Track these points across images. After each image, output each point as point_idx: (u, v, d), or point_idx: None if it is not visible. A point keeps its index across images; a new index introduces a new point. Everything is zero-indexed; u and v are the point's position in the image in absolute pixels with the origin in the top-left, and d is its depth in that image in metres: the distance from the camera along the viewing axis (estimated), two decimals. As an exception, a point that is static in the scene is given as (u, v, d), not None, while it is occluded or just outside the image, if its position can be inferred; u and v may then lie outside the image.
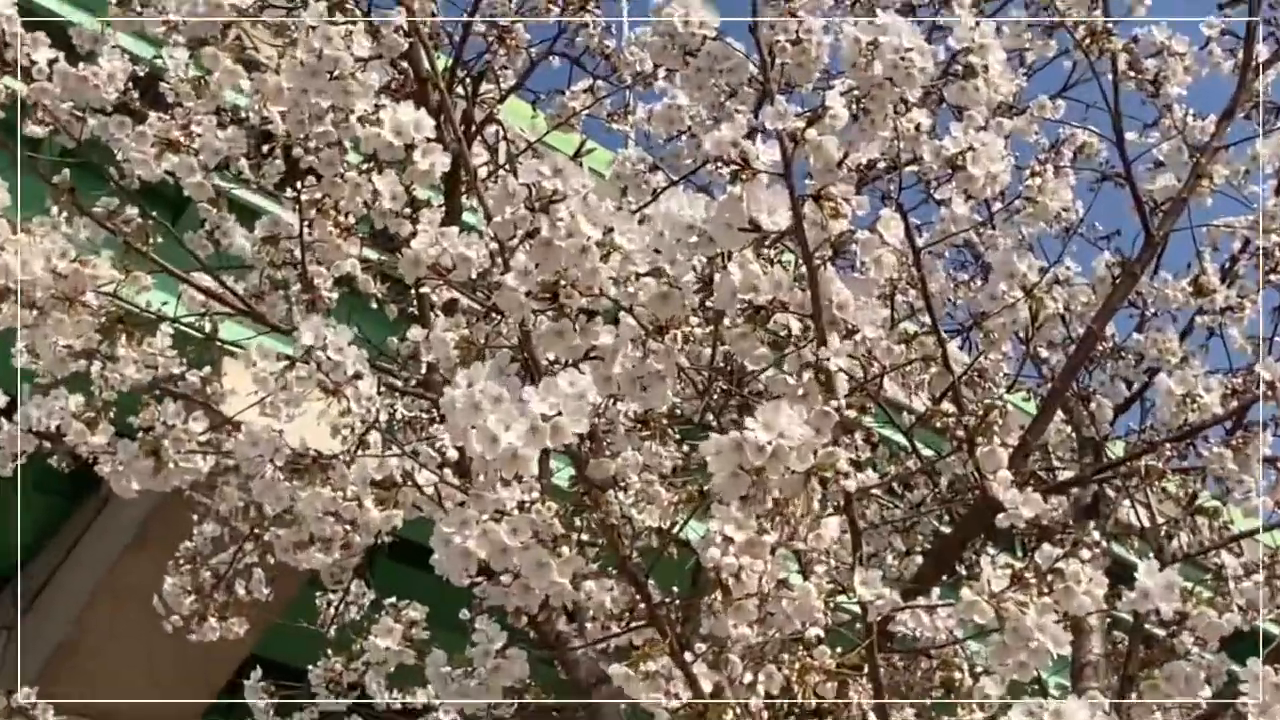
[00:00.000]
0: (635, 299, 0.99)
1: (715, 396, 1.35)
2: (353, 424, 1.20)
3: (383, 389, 1.32)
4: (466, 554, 1.00)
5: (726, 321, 1.01)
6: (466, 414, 0.88)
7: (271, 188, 2.01)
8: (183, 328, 1.80)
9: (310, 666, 1.99)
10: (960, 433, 1.32)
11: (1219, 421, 1.66)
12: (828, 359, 0.93)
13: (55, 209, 1.69)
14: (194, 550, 2.11)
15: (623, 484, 1.19)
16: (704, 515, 1.10)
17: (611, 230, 0.95)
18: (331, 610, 2.23)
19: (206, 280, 2.03)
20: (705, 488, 1.17)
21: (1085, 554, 1.03)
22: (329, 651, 1.95)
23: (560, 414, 0.88)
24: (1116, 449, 2.70)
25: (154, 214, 1.93)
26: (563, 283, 0.94)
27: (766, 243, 0.97)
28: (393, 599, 1.94)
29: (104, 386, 1.50)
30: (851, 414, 1.05)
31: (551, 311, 0.95)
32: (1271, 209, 1.90)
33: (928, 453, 2.51)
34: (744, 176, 0.95)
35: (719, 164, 0.98)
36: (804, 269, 0.99)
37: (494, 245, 1.38)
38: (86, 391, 1.50)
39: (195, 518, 2.09)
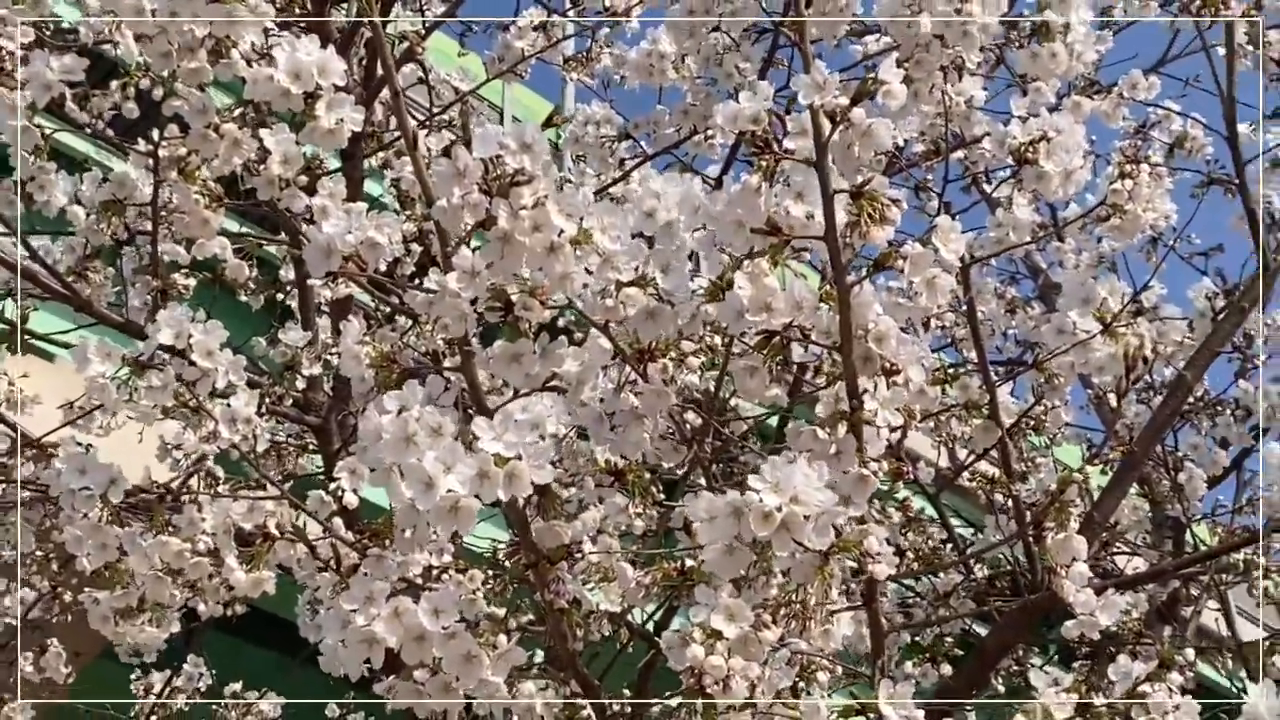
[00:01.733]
0: (614, 314, 1.01)
1: (707, 446, 1.37)
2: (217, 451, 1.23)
3: (263, 409, 1.35)
4: (370, 641, 1.01)
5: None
6: (396, 448, 0.91)
7: (113, 134, 2.00)
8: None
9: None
10: (1020, 508, 1.36)
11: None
12: (867, 407, 0.95)
13: None
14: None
15: (578, 554, 1.22)
16: (684, 600, 1.14)
17: (588, 229, 0.97)
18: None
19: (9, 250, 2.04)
20: (688, 564, 1.21)
21: (1174, 675, 1.08)
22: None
23: (519, 456, 0.90)
24: (1204, 534, 2.76)
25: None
26: (521, 289, 0.96)
27: (788, 250, 0.99)
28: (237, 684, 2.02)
29: None
30: (886, 477, 1.08)
31: (505, 326, 0.97)
32: None
33: (961, 529, 2.55)
34: (764, 164, 0.98)
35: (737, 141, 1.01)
36: (833, 287, 1.01)
37: (416, 230, 1.41)
38: None
39: None
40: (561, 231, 0.94)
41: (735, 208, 0.98)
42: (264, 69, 1.15)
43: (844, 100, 0.96)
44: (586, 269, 0.98)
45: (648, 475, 1.36)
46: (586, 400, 1.07)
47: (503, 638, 1.04)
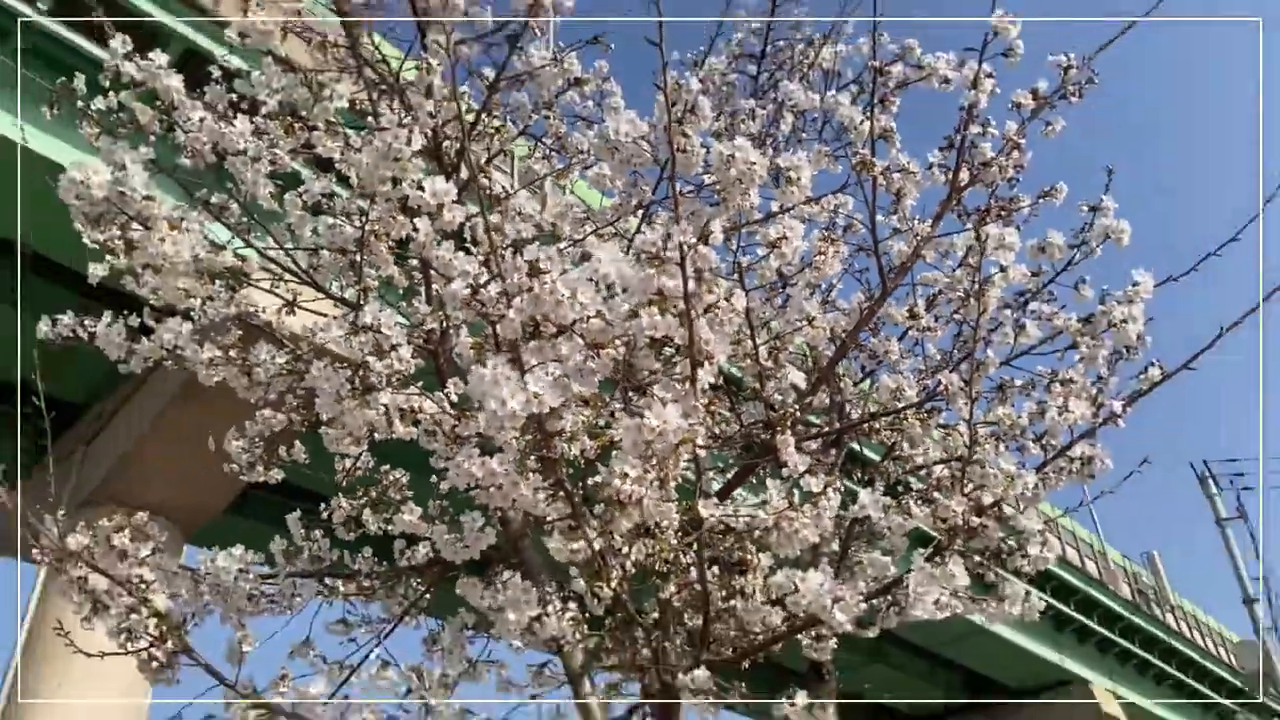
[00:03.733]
0: (586, 328, 1.78)
1: (627, 393, 2.15)
2: (395, 373, 1.98)
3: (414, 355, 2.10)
4: (470, 473, 1.81)
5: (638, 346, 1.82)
6: (490, 385, 1.66)
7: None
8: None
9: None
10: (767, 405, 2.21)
11: (915, 405, 2.64)
12: (699, 377, 1.77)
13: (194, 214, 2.42)
14: (257, 429, 2.94)
15: (567, 435, 2.02)
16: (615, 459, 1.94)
17: (574, 291, 1.76)
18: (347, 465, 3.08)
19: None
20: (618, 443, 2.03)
21: (830, 491, 1.97)
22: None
23: (542, 393, 1.67)
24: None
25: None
26: (545, 320, 1.74)
27: (665, 301, 1.80)
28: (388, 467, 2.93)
29: (203, 317, 2.28)
30: (709, 409, 1.91)
31: (534, 337, 1.74)
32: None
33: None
34: (656, 264, 1.78)
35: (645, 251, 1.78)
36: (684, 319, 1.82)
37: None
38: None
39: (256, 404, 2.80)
40: (564, 294, 1.70)
41: (644, 283, 1.77)
42: (419, 191, 1.87)
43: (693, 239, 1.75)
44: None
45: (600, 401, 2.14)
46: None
47: (531, 475, 1.80)
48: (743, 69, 3.74)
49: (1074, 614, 27.70)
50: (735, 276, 2.48)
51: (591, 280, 1.80)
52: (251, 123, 2.37)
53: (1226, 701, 32.91)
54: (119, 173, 2.26)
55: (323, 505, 3.11)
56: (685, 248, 1.72)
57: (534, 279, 1.67)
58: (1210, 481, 20.84)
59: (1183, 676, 32.17)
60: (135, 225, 2.23)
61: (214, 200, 2.62)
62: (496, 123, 2.64)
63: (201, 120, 2.28)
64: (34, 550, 2.60)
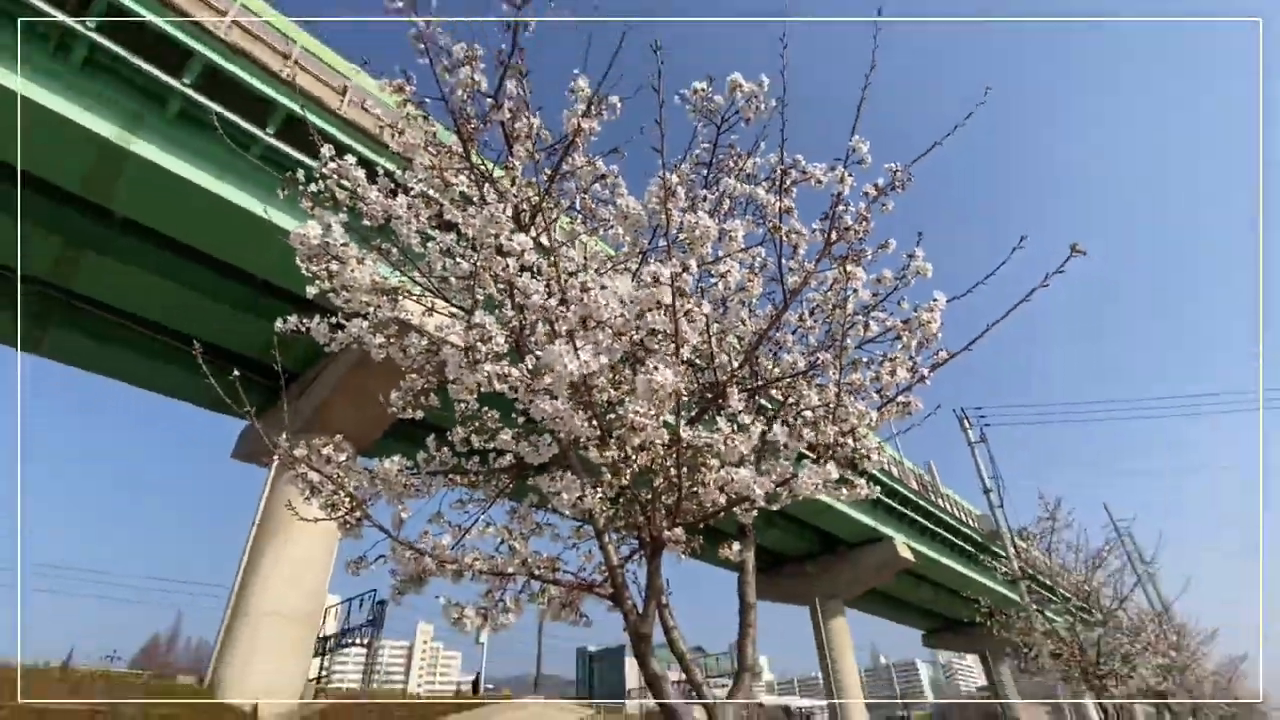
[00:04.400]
0: (613, 323, 1.78)
1: (639, 360, 2.14)
2: (494, 353, 1.95)
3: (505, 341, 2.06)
4: (544, 409, 1.80)
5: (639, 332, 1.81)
6: (557, 357, 1.66)
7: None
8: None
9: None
10: (713, 376, 2.18)
11: (802, 373, 2.63)
12: (680, 352, 1.76)
13: (370, 256, 2.34)
14: (407, 386, 2.82)
15: (600, 389, 2.01)
16: (629, 401, 1.95)
17: (607, 301, 1.74)
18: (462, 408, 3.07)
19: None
20: (629, 392, 2.03)
21: (756, 425, 1.95)
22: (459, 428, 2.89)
23: (589, 363, 1.66)
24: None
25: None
26: (589, 318, 1.73)
27: (661, 308, 1.78)
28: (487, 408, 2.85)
29: (375, 318, 2.20)
30: (688, 372, 1.89)
31: (582, 329, 1.74)
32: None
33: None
34: (654, 285, 1.76)
35: (649, 278, 1.76)
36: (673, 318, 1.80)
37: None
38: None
39: (404, 371, 2.77)
40: (603, 304, 1.69)
41: (648, 297, 1.75)
42: (512, 243, 1.83)
43: (680, 269, 1.73)
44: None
45: (624, 369, 2.13)
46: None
47: (584, 411, 1.78)
48: (698, 172, 3.69)
49: (885, 498, 28.06)
50: (699, 294, 2.47)
51: (615, 295, 1.81)
52: (407, 196, 2.35)
53: (971, 549, 33.43)
54: (326, 231, 2.23)
55: (442, 434, 3.10)
56: (672, 275, 1.72)
57: (584, 293, 1.67)
58: (965, 420, 21.01)
59: (947, 535, 32.68)
60: (334, 261, 2.21)
61: (383, 247, 2.58)
62: (553, 202, 2.64)
63: (375, 197, 2.24)
64: (263, 458, 2.62)
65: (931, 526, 31.40)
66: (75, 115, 10.36)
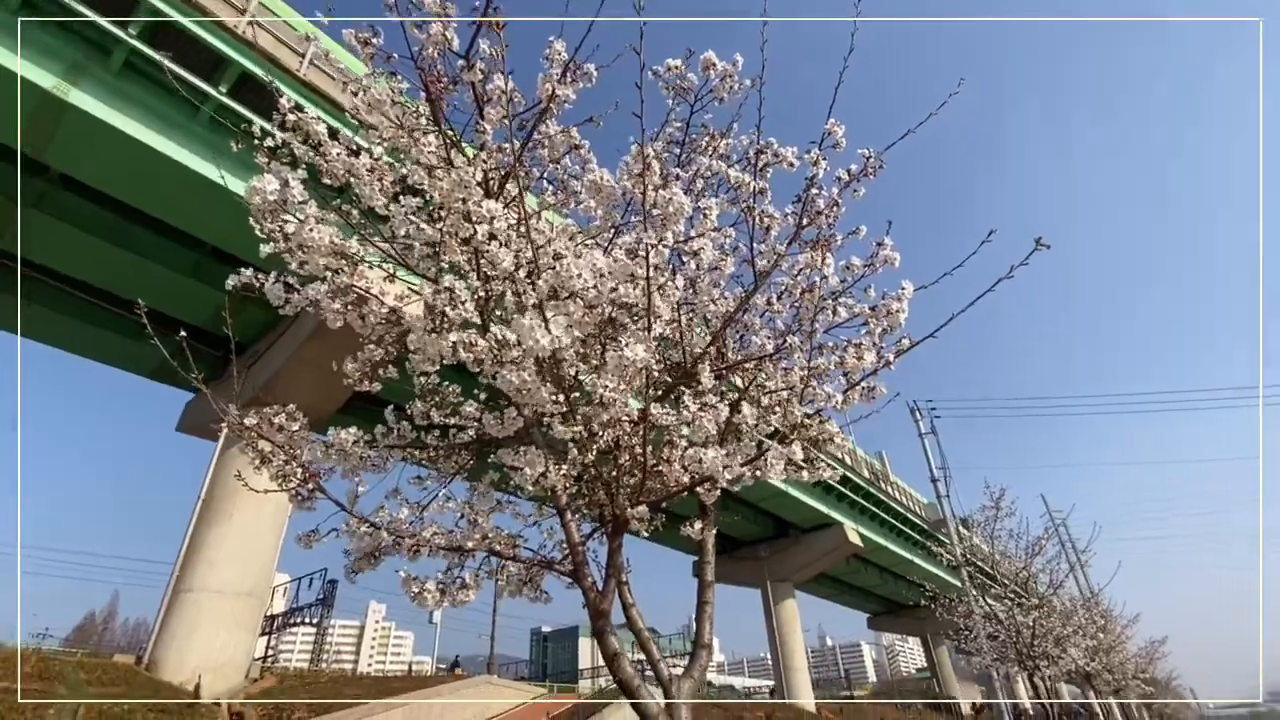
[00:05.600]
0: (584, 295, 1.73)
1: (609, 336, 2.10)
2: (461, 320, 1.87)
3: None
4: (511, 382, 1.74)
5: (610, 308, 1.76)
6: (527, 329, 1.60)
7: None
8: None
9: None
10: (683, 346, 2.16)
11: (770, 355, 2.62)
12: (653, 328, 1.72)
13: (331, 216, 2.20)
14: (364, 357, 2.71)
15: (568, 363, 1.95)
16: (601, 375, 1.91)
17: (580, 271, 1.69)
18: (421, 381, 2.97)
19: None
20: (600, 367, 1.98)
21: (723, 403, 1.94)
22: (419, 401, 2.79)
23: (559, 335, 1.62)
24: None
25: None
26: (560, 289, 1.68)
27: (635, 281, 1.74)
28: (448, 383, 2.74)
29: (335, 286, 2.08)
30: (659, 349, 1.86)
31: (554, 298, 1.68)
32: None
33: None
34: (631, 257, 1.72)
35: (623, 248, 1.71)
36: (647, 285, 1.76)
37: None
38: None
39: (362, 341, 2.64)
40: (577, 273, 1.63)
41: (623, 268, 1.71)
42: (481, 210, 1.76)
43: (655, 239, 1.69)
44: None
45: (595, 342, 2.08)
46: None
47: (548, 386, 1.73)
48: (671, 150, 3.64)
49: (837, 485, 28.71)
50: (672, 271, 2.43)
51: (590, 266, 1.75)
52: (370, 159, 2.23)
53: (917, 535, 34.56)
54: (284, 186, 2.11)
55: (402, 409, 3.01)
56: (647, 247, 1.68)
57: (557, 262, 1.61)
58: (917, 411, 21.59)
59: (895, 522, 33.69)
60: (289, 219, 2.09)
61: (344, 209, 2.46)
62: (524, 169, 2.54)
63: (337, 154, 2.13)
64: (212, 428, 2.49)
65: (880, 514, 32.31)
66: (10, 62, 9.68)
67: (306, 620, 20.57)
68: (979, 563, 15.14)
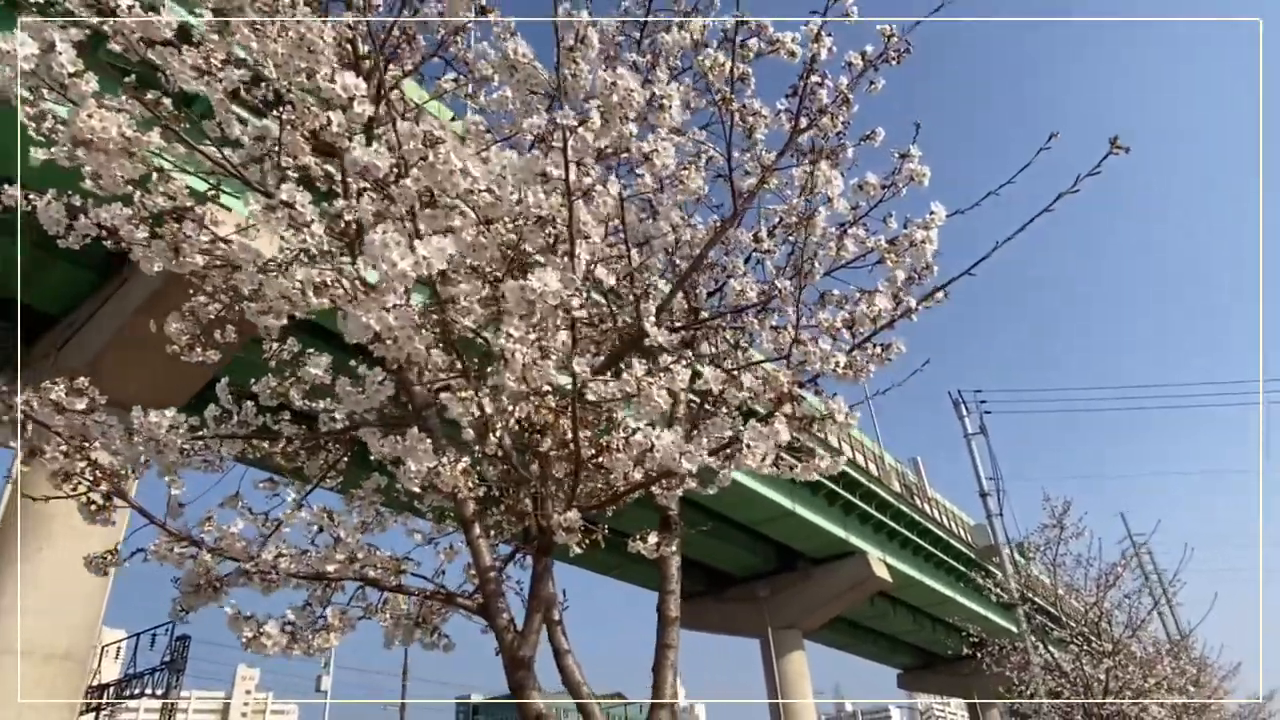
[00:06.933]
0: (476, 202, 1.61)
1: (512, 263, 1.97)
2: (307, 248, 1.74)
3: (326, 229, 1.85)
4: (367, 327, 1.62)
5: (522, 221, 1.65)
6: (381, 249, 1.48)
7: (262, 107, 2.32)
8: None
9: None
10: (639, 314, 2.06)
11: (751, 307, 2.55)
12: (578, 253, 1.61)
13: (123, 97, 2.03)
14: (190, 309, 2.58)
15: (456, 304, 1.82)
16: (499, 324, 1.79)
17: (466, 164, 1.56)
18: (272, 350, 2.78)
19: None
20: (503, 308, 1.86)
21: (681, 365, 1.84)
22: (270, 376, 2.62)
23: (430, 257, 1.50)
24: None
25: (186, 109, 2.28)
26: (436, 190, 1.55)
27: (546, 185, 1.63)
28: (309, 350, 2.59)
29: (143, 208, 1.93)
30: (584, 283, 1.76)
31: (429, 206, 1.56)
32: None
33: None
34: (540, 148, 1.60)
35: (531, 135, 1.60)
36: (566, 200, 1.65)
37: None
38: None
39: (191, 292, 2.47)
40: (458, 165, 1.51)
41: (530, 165, 1.59)
42: (331, 84, 1.61)
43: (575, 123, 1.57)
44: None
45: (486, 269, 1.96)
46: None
47: (424, 330, 1.62)
48: (628, 33, 3.52)
49: (858, 502, 29.06)
50: (609, 173, 2.31)
51: (481, 163, 1.62)
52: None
53: (961, 566, 35.25)
54: (48, 50, 1.93)
55: (231, 384, 2.85)
56: (567, 131, 1.55)
57: (430, 149, 1.47)
58: (961, 405, 21.92)
59: (933, 549, 34.27)
60: (60, 99, 1.92)
61: (146, 95, 2.28)
62: (406, 39, 2.37)
63: (130, 7, 1.94)
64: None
65: (914, 538, 32.84)
66: None
67: (149, 691, 20.13)
68: (1038, 598, 15.48)
